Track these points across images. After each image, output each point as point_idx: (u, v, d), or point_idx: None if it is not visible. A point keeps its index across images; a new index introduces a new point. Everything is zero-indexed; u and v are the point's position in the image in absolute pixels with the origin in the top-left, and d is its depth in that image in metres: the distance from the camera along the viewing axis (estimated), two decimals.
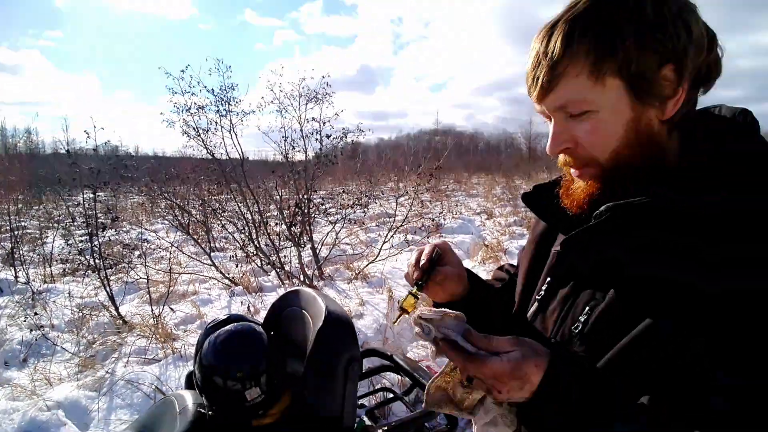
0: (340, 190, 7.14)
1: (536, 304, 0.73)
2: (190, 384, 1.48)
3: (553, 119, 0.63)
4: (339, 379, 1.32)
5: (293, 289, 1.63)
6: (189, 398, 1.36)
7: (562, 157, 0.66)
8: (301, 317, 1.49)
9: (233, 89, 4.57)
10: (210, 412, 1.30)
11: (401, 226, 5.43)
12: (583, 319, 0.63)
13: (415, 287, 0.77)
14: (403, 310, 0.75)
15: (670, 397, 0.53)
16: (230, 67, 4.53)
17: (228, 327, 1.34)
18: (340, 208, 5.75)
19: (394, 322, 0.80)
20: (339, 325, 1.35)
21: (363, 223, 6.83)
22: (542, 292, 0.73)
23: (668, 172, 0.61)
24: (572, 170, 0.66)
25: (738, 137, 0.61)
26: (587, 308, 0.63)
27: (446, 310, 0.61)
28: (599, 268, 0.63)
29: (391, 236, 5.25)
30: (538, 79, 0.60)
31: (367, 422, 1.44)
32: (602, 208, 0.60)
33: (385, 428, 1.44)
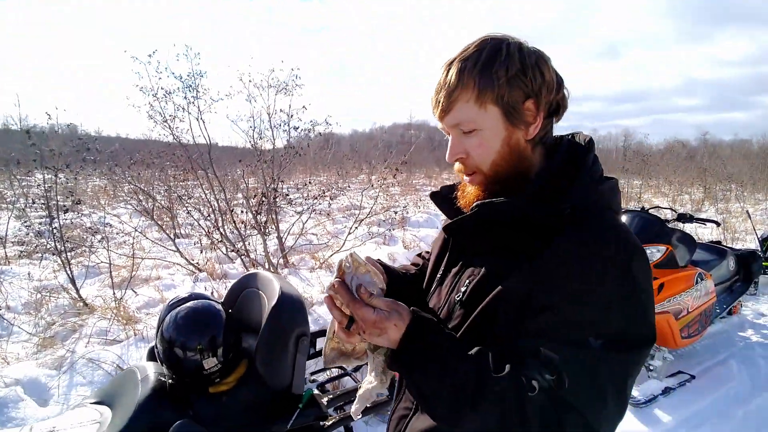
0: (309, 181, 7.22)
1: (436, 280, 0.93)
2: (151, 357, 1.60)
3: (450, 135, 0.82)
4: (289, 352, 1.47)
5: (252, 271, 1.76)
6: (150, 368, 1.47)
7: (457, 164, 0.84)
8: (258, 297, 1.62)
9: (201, 76, 4.59)
10: (170, 381, 1.42)
11: (366, 218, 5.58)
12: (463, 290, 0.82)
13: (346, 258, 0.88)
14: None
15: (498, 344, 0.72)
16: (199, 53, 4.55)
17: (189, 303, 1.47)
18: (308, 199, 5.84)
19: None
20: (291, 303, 1.50)
21: (329, 215, 6.94)
22: (440, 272, 0.92)
23: (528, 181, 0.81)
24: (465, 176, 0.86)
25: (568, 159, 0.82)
26: (467, 281, 0.83)
27: (374, 268, 0.80)
28: (478, 251, 0.83)
29: (356, 228, 5.38)
30: (439, 102, 0.79)
31: (316, 392, 1.59)
32: (473, 204, 0.81)
33: (330, 397, 1.60)
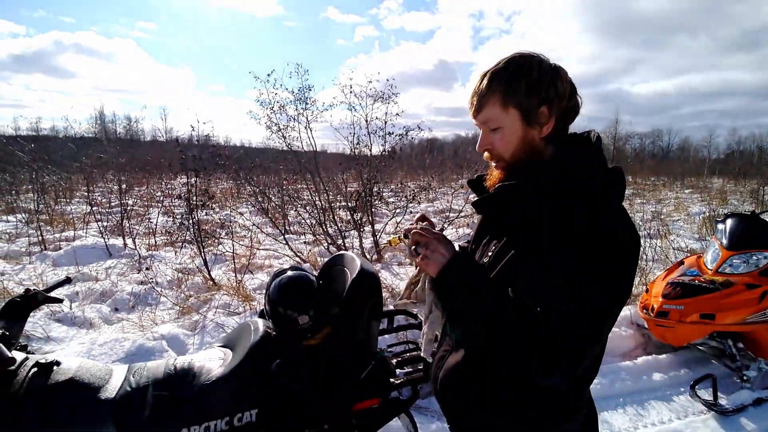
0: (407, 184, 7.60)
1: (475, 249, 1.18)
2: (261, 316, 2.01)
3: (481, 130, 1.07)
4: (364, 317, 1.78)
5: (340, 252, 2.11)
6: (260, 323, 1.87)
7: (486, 153, 1.09)
8: (343, 273, 1.96)
9: (309, 90, 5.19)
10: (274, 332, 1.81)
11: (456, 218, 5.78)
12: (489, 254, 1.06)
13: (403, 234, 1.20)
14: (389, 243, 1.20)
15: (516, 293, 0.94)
16: (308, 70, 5.16)
17: (289, 273, 1.85)
18: (401, 200, 6.21)
19: (381, 248, 1.27)
20: (367, 277, 1.81)
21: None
22: (474, 244, 1.19)
23: (543, 165, 1.01)
24: (492, 162, 1.10)
25: (578, 148, 1.01)
26: (492, 248, 1.06)
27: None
28: (500, 224, 1.07)
29: (445, 228, 5.61)
30: (473, 103, 1.04)
31: (386, 354, 1.88)
32: (496, 186, 1.05)
33: (399, 360, 1.88)
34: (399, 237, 1.21)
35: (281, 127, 5.25)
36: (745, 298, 2.93)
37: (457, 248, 1.05)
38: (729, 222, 3.36)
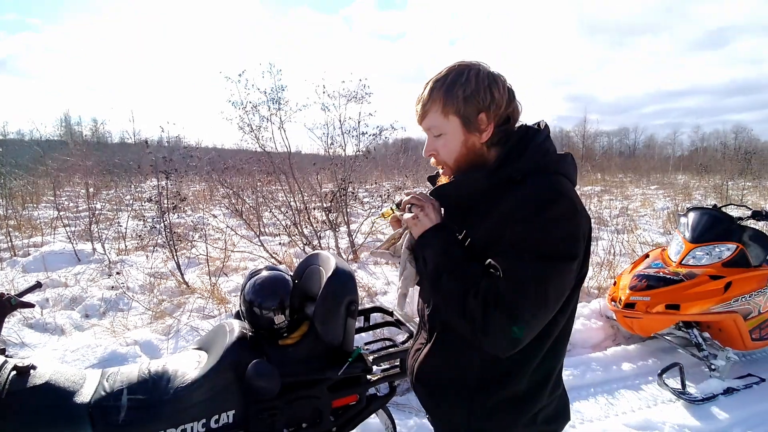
0: (381, 184, 7.63)
1: None
2: (237, 317, 2.00)
3: (427, 136, 1.13)
4: (341, 315, 1.79)
5: (315, 252, 2.11)
6: (236, 324, 1.87)
7: (433, 159, 1.15)
8: (318, 272, 1.97)
9: (283, 90, 5.15)
10: (250, 333, 1.81)
11: None
12: None
13: (395, 204, 1.24)
14: (382, 215, 1.23)
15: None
16: (281, 70, 5.12)
17: (264, 273, 1.85)
18: (379, 200, 6.24)
19: (374, 221, 1.29)
20: (343, 275, 1.82)
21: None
22: None
23: (487, 167, 1.08)
24: (439, 168, 1.17)
25: (519, 145, 1.07)
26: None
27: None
28: (455, 219, 1.13)
29: None
30: (418, 111, 1.11)
31: (363, 352, 1.89)
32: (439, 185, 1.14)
33: (375, 356, 1.90)
34: (391, 207, 1.24)
35: (254, 127, 5.20)
36: (710, 289, 3.05)
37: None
38: (691, 215, 3.49)
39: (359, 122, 5.17)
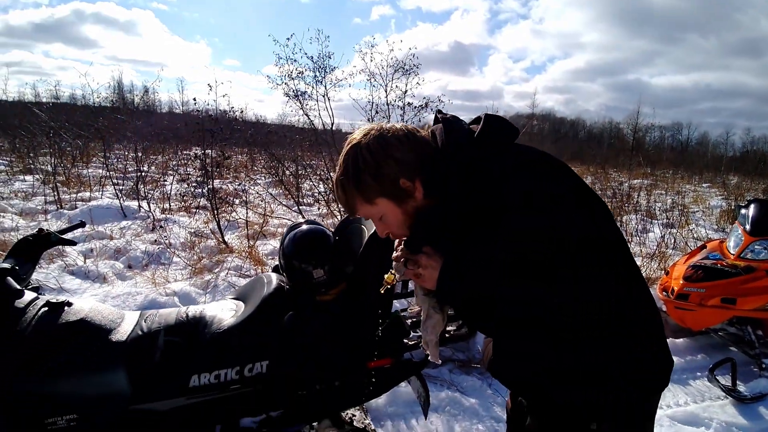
0: None
1: None
2: (275, 271, 1.98)
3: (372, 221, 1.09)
4: (381, 275, 1.73)
5: None
6: (274, 276, 1.84)
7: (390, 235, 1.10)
8: (360, 231, 1.91)
9: (329, 57, 5.08)
10: (288, 287, 1.78)
11: None
12: None
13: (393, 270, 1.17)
14: (386, 283, 1.15)
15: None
16: (328, 36, 5.04)
17: (303, 227, 1.80)
18: None
19: (382, 290, 1.19)
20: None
21: None
22: None
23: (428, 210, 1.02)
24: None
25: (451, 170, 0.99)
26: None
27: None
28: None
29: None
30: (347, 210, 1.08)
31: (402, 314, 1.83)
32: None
33: (414, 320, 1.83)
34: (391, 273, 1.16)
35: (299, 93, 5.17)
36: (767, 285, 2.85)
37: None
38: (753, 207, 3.27)
39: (405, 92, 5.05)
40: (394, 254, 1.10)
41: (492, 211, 0.90)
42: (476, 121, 1.04)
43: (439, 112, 1.07)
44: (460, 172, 0.96)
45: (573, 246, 0.86)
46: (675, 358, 3.06)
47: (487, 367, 1.14)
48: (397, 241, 1.14)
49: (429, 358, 1.20)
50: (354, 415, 2.05)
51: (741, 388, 2.70)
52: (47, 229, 1.72)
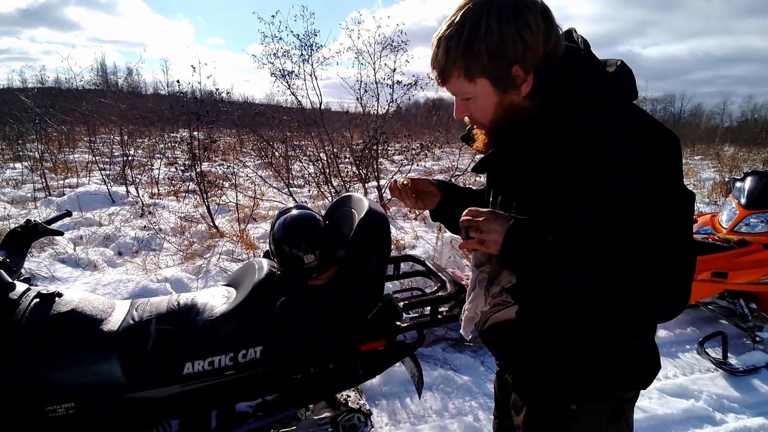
0: (411, 141, 7.46)
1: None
2: (266, 256, 1.96)
3: (455, 98, 0.95)
4: (372, 258, 1.72)
5: (347, 194, 2.03)
6: (265, 262, 1.82)
7: (467, 118, 0.99)
8: (350, 214, 1.89)
9: (315, 35, 4.96)
10: (279, 272, 1.77)
11: (459, 176, 5.68)
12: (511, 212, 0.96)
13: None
14: (395, 182, 1.13)
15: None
16: (314, 13, 4.91)
17: (293, 212, 1.78)
18: (406, 155, 6.08)
19: (387, 201, 1.18)
20: (375, 217, 1.73)
21: (431, 174, 7.14)
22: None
23: (528, 119, 0.90)
24: (474, 126, 1.02)
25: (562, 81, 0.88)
26: (499, 198, 1.03)
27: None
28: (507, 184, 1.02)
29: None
30: (435, 75, 0.93)
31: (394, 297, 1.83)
32: (488, 150, 0.99)
33: (406, 303, 1.83)
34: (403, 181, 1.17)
35: (286, 72, 5.06)
36: (762, 258, 2.88)
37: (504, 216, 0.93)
38: (749, 180, 3.25)
39: (394, 70, 4.96)
40: (461, 219, 0.93)
41: (583, 154, 0.83)
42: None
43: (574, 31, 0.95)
44: (579, 93, 0.86)
45: (664, 224, 0.82)
46: (664, 332, 3.14)
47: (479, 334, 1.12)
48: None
49: (461, 330, 1.16)
50: (349, 396, 2.06)
51: (732, 360, 2.76)
52: (35, 220, 1.70)
